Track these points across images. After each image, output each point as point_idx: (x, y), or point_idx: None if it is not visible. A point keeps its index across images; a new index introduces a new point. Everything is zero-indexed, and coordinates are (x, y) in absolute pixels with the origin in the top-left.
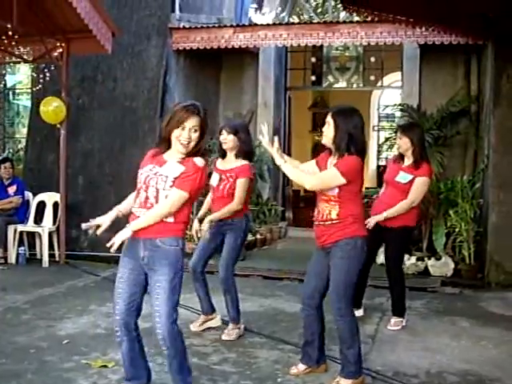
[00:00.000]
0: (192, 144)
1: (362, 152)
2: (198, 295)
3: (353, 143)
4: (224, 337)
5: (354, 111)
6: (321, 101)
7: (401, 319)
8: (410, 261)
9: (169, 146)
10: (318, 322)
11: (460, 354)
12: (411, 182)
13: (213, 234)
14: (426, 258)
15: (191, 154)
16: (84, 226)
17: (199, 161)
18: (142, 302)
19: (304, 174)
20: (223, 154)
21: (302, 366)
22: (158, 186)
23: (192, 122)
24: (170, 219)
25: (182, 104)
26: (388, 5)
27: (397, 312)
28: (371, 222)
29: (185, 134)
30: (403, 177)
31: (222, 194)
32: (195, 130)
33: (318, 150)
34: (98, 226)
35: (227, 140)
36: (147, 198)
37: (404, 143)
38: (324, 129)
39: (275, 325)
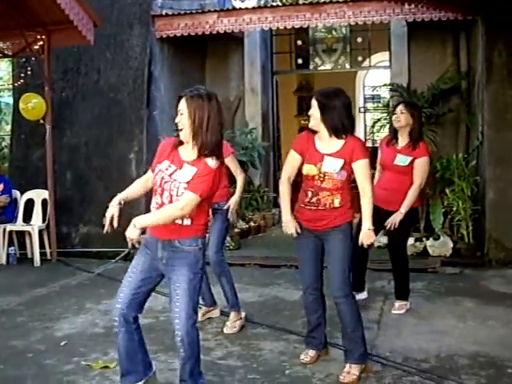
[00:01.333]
0: (187, 131)
1: (352, 131)
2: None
3: (345, 121)
4: (226, 330)
5: (338, 91)
6: (306, 84)
7: (405, 302)
8: (408, 242)
9: None
10: (322, 303)
11: (468, 335)
12: (411, 163)
13: None
14: (424, 239)
15: (202, 152)
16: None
17: (211, 162)
18: (146, 300)
19: (365, 197)
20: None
21: (312, 352)
22: (172, 193)
23: (179, 106)
24: (187, 221)
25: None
26: None
27: (401, 295)
28: (396, 219)
29: (177, 118)
30: (402, 159)
31: None
32: (181, 114)
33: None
34: (112, 222)
35: None
36: (163, 203)
37: (405, 118)
38: (310, 112)
39: (277, 314)
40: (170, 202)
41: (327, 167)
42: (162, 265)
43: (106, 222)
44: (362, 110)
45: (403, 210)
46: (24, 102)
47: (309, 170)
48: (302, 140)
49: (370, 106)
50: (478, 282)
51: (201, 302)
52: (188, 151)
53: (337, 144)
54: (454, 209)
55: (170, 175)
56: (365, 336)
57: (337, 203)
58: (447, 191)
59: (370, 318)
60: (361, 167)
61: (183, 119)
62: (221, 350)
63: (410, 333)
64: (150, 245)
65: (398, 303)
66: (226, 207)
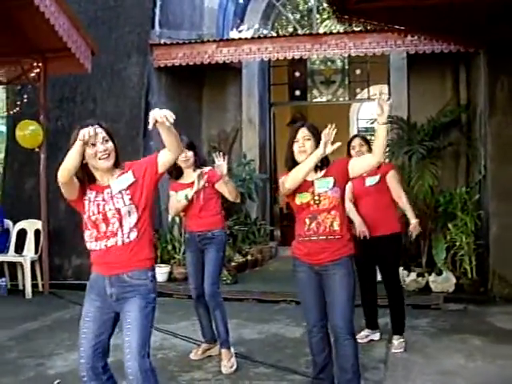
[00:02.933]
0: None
1: None
2: (201, 322)
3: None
4: (225, 370)
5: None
6: (300, 116)
7: (403, 339)
8: (409, 277)
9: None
10: (328, 343)
11: (478, 375)
12: (381, 180)
13: (194, 255)
14: (426, 274)
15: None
16: None
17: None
18: (108, 344)
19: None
20: (179, 175)
21: None
22: (117, 205)
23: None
24: (134, 235)
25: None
26: (380, 13)
27: (398, 329)
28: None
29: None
30: (372, 180)
31: (199, 205)
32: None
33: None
34: None
35: (188, 156)
36: (108, 225)
37: (366, 151)
38: (303, 144)
39: (279, 352)
40: (119, 216)
41: (320, 188)
42: (112, 302)
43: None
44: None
45: (414, 220)
46: (21, 129)
47: (302, 198)
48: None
49: None
50: (483, 319)
51: (201, 338)
52: (105, 177)
53: (320, 172)
54: (457, 243)
55: (104, 199)
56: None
57: (336, 226)
58: (450, 226)
59: (376, 357)
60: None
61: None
62: None
63: (418, 373)
64: (96, 284)
65: (396, 341)
66: (220, 236)
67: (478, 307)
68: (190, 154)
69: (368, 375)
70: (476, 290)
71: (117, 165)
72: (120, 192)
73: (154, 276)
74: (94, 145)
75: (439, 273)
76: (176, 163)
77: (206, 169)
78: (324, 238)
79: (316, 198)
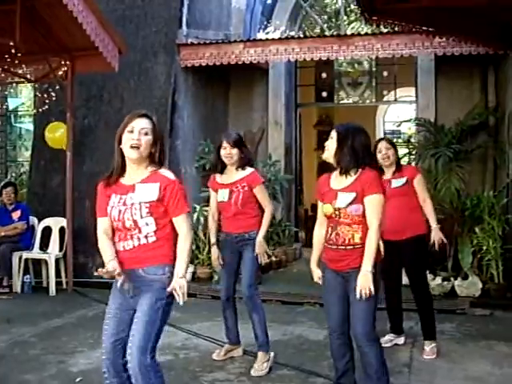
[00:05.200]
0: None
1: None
2: (227, 324)
3: (358, 158)
4: (254, 372)
5: (359, 129)
6: (326, 118)
7: (435, 344)
8: (435, 281)
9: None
10: (350, 348)
11: (506, 382)
12: (408, 184)
13: (230, 255)
14: (451, 278)
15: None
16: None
17: (167, 173)
18: None
19: (372, 245)
20: (222, 169)
21: None
22: (135, 217)
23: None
24: (152, 239)
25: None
26: (410, 14)
27: (429, 335)
28: (438, 235)
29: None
30: (397, 182)
31: (236, 208)
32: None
33: (323, 168)
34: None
35: (232, 154)
36: (127, 231)
37: (393, 154)
38: (327, 143)
39: (302, 355)
40: (135, 227)
41: (339, 203)
42: (130, 299)
43: (107, 272)
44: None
45: (434, 225)
46: (50, 132)
47: (326, 209)
48: (318, 186)
49: None
50: (510, 325)
51: (224, 339)
52: (134, 173)
53: (349, 178)
54: (484, 248)
55: (125, 203)
56: None
57: (357, 239)
58: (477, 229)
59: (400, 362)
60: (370, 202)
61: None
62: None
63: (443, 379)
64: (118, 281)
65: (428, 347)
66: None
67: (504, 313)
68: (234, 151)
69: (392, 380)
70: (503, 295)
71: (150, 161)
72: (140, 203)
73: (171, 272)
74: (131, 132)
75: (465, 277)
76: (220, 157)
77: (248, 171)
78: (343, 248)
79: (337, 212)
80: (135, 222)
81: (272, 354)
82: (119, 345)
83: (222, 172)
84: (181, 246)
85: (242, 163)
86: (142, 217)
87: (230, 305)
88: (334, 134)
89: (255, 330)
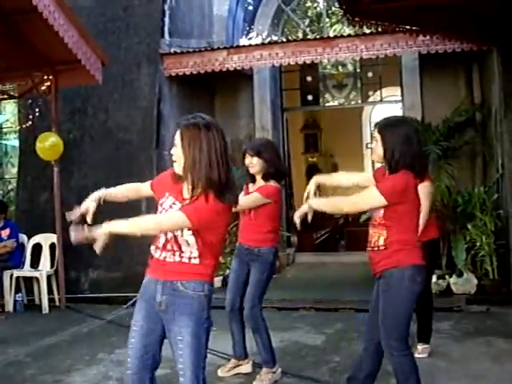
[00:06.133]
0: (180, 165)
1: (412, 166)
2: (233, 337)
3: (402, 158)
4: (256, 382)
5: (402, 122)
6: (312, 122)
7: (428, 344)
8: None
9: None
10: (376, 360)
11: (506, 378)
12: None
13: (239, 265)
14: (447, 276)
15: (195, 190)
16: (68, 215)
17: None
18: (158, 355)
19: (337, 199)
20: (253, 179)
21: None
22: (176, 233)
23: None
24: (195, 261)
25: None
26: (392, 14)
27: (424, 337)
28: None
29: (172, 149)
30: None
31: (249, 218)
32: (175, 145)
33: (312, 171)
34: (84, 216)
35: (252, 163)
36: (166, 242)
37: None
38: (372, 145)
39: (301, 361)
40: (175, 241)
41: None
42: (161, 312)
43: (76, 213)
44: (369, 145)
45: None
46: (41, 141)
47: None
48: (381, 168)
49: None
50: (507, 321)
51: (230, 352)
52: (186, 187)
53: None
54: (478, 244)
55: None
56: None
57: (381, 241)
58: (469, 226)
59: None
60: (367, 189)
61: (177, 151)
62: None
63: (444, 378)
64: (148, 288)
65: (421, 346)
66: (266, 254)
67: (501, 308)
68: (255, 160)
69: (393, 381)
70: (498, 291)
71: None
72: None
73: (210, 291)
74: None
75: (460, 274)
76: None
77: (266, 183)
78: (371, 249)
79: (369, 213)
80: (175, 236)
81: (279, 369)
82: (148, 360)
83: (253, 181)
84: (142, 217)
85: (267, 174)
86: (182, 235)
87: (236, 316)
88: (377, 134)
89: (258, 348)
